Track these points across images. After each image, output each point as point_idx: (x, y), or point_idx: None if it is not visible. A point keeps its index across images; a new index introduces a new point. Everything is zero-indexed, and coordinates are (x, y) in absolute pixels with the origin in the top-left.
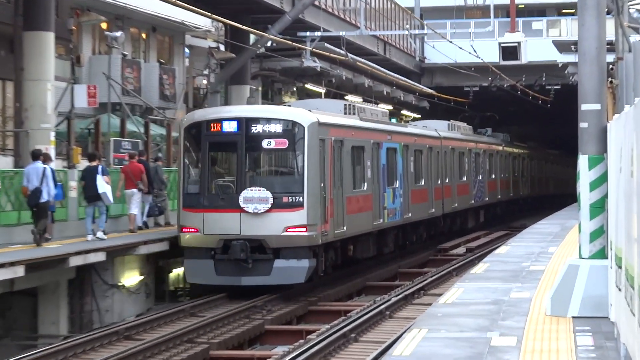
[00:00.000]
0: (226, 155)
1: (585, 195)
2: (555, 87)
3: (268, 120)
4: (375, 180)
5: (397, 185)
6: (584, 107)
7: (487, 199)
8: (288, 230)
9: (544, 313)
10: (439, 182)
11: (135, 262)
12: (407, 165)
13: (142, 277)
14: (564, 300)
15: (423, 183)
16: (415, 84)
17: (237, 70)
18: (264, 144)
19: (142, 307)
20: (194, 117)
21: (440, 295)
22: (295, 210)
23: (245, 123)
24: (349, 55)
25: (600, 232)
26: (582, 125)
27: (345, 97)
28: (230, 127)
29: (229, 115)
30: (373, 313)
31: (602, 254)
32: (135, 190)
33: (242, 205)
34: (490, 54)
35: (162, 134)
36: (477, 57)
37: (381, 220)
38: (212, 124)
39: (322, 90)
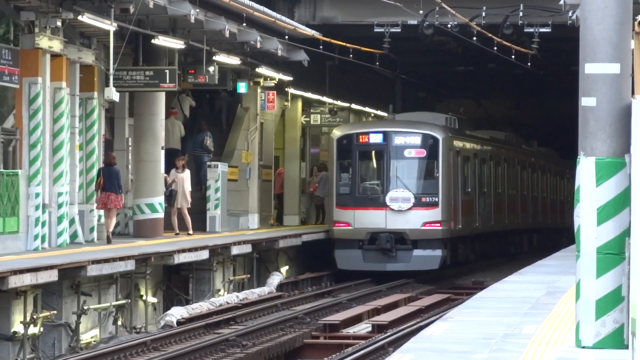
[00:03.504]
0: (373, 162)
1: (589, 231)
2: (542, 29)
3: (409, 134)
4: (473, 187)
5: (485, 193)
6: (590, 68)
7: (506, 222)
8: (425, 225)
9: None
10: (509, 194)
11: None
12: (490, 174)
13: None
14: None
15: (500, 192)
16: (284, 18)
17: None
18: (406, 153)
19: None
20: (345, 130)
21: None
22: (432, 209)
23: (389, 135)
24: None
25: (615, 300)
26: (586, 102)
27: (156, 39)
28: (376, 138)
29: (375, 129)
30: None
31: (616, 339)
32: None
33: (388, 203)
34: None
35: None
36: None
37: (477, 225)
38: (360, 136)
39: (111, 26)
